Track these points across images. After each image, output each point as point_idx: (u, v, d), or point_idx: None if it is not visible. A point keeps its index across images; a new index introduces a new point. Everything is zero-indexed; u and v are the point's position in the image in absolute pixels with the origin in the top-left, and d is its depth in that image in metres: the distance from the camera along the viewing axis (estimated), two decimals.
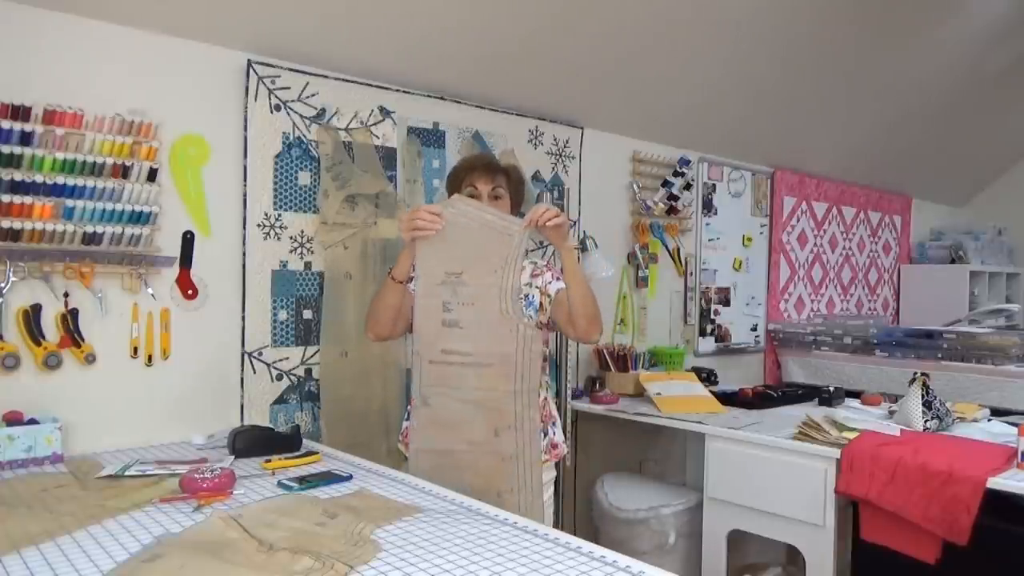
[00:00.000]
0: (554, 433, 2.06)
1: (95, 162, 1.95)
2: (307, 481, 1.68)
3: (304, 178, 2.38)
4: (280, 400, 2.35)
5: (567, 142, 3.17)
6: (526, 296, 2.01)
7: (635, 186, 3.44)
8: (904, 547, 2.03)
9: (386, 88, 2.57)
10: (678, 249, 3.68)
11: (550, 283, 2.04)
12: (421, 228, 1.83)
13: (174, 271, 2.14)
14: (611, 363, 3.15)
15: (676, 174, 3.60)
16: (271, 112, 2.31)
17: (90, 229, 1.95)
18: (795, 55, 3.36)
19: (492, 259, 1.79)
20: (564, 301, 1.96)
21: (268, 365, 2.32)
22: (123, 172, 1.99)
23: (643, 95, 3.22)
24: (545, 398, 2.05)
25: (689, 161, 3.63)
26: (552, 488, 2.06)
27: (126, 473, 1.73)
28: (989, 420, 2.60)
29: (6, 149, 1.83)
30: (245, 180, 2.26)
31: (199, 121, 2.17)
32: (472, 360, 1.83)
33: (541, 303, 2.02)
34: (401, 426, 2.12)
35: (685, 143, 3.67)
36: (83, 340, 1.98)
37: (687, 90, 3.30)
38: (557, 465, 2.08)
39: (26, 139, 1.86)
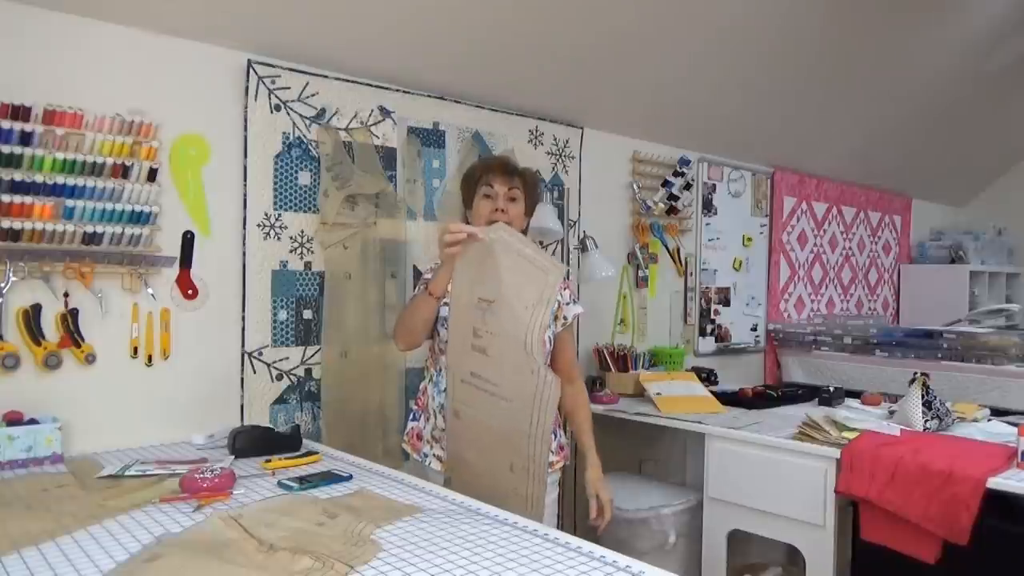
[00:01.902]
0: (560, 436, 2.06)
1: (95, 162, 1.95)
2: (307, 481, 1.68)
3: (304, 178, 2.38)
4: (280, 400, 2.35)
5: (567, 142, 3.17)
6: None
7: (635, 186, 3.44)
8: (904, 547, 2.03)
9: (386, 88, 2.57)
10: (678, 249, 3.68)
11: (567, 304, 2.06)
12: (458, 243, 1.74)
13: (174, 271, 2.14)
14: (611, 363, 3.15)
15: (676, 174, 3.60)
16: (271, 112, 2.31)
17: (90, 229, 1.95)
18: (795, 55, 3.36)
19: (526, 294, 1.72)
20: (564, 347, 2.09)
21: (268, 365, 2.32)
22: (123, 172, 1.99)
23: (643, 95, 3.22)
24: None
25: (689, 161, 3.63)
26: (557, 490, 2.06)
27: (126, 473, 1.73)
28: (989, 420, 2.60)
29: (6, 149, 1.83)
30: (245, 180, 2.26)
31: (199, 121, 2.17)
32: (496, 391, 1.77)
33: (556, 315, 2.04)
34: (406, 426, 2.12)
35: (685, 143, 3.67)
36: (83, 340, 1.98)
37: (687, 90, 3.30)
38: (563, 467, 2.08)
39: (26, 139, 1.86)
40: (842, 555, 2.24)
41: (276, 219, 2.33)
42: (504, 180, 1.99)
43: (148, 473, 1.74)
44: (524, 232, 2.10)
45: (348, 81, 2.47)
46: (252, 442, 1.97)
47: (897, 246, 5.33)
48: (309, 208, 2.39)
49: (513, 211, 1.99)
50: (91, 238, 1.96)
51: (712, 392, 2.94)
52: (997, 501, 1.89)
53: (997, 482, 1.88)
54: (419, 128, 2.66)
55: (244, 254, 2.27)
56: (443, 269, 1.83)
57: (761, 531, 2.41)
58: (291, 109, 2.35)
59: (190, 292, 2.16)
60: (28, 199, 1.86)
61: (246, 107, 2.25)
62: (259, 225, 2.29)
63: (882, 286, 5.19)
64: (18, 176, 1.85)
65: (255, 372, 2.30)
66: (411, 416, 2.11)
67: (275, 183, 2.32)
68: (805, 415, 2.40)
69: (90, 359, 2.00)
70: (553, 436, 2.01)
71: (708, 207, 3.85)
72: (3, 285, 1.86)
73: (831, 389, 2.94)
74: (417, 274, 2.55)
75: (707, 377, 3.24)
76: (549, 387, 1.71)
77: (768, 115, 3.75)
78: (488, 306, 1.75)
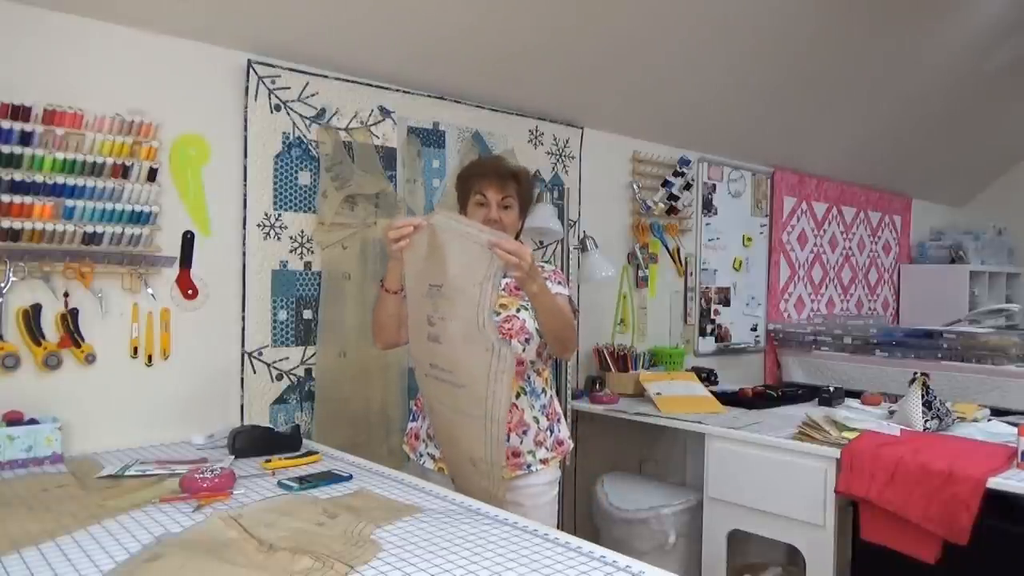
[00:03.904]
0: (559, 430, 2.06)
1: (95, 162, 1.95)
2: (307, 481, 1.68)
3: (304, 178, 2.38)
4: (280, 400, 2.35)
5: (567, 142, 3.17)
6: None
7: (635, 186, 3.44)
8: (904, 547, 2.03)
9: (386, 88, 2.57)
10: (678, 249, 3.68)
11: (550, 288, 2.05)
12: (404, 236, 1.73)
13: (174, 271, 2.14)
14: (611, 363, 3.15)
15: (676, 174, 3.60)
16: (271, 112, 2.31)
17: (90, 229, 1.95)
18: (795, 55, 3.36)
19: (473, 272, 1.70)
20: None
21: (268, 365, 2.32)
22: (123, 172, 1.99)
23: (643, 95, 3.22)
24: (551, 396, 2.05)
25: (689, 161, 3.63)
26: (557, 487, 2.06)
27: (126, 473, 1.73)
28: (989, 420, 2.60)
29: (6, 149, 1.83)
30: (245, 180, 2.26)
31: (199, 121, 2.17)
32: (451, 379, 1.75)
33: None
34: (406, 427, 2.12)
35: (685, 143, 3.67)
36: (83, 340, 1.98)
37: (687, 90, 3.30)
38: (561, 464, 2.08)
39: (26, 139, 1.86)
40: (842, 555, 2.24)
41: (276, 219, 2.33)
42: (498, 189, 1.97)
43: (148, 473, 1.74)
44: (518, 234, 2.10)
45: (348, 81, 2.47)
46: (252, 442, 1.97)
47: (897, 246, 5.32)
48: (309, 208, 2.39)
49: (507, 219, 1.98)
50: (91, 238, 1.96)
51: (712, 392, 2.94)
52: (997, 501, 1.89)
53: (997, 482, 1.88)
54: (419, 128, 2.66)
55: (244, 254, 2.27)
56: (392, 263, 1.83)
57: (761, 531, 2.41)
58: (291, 109, 2.35)
59: (190, 292, 2.16)
60: (28, 199, 1.86)
61: (246, 107, 2.25)
62: (259, 225, 2.29)
63: (882, 286, 5.19)
64: (18, 176, 1.85)
65: (255, 372, 2.30)
66: (411, 417, 2.11)
67: (275, 183, 2.32)
68: (805, 415, 2.40)
69: (90, 359, 2.00)
70: (549, 432, 2.00)
71: (708, 207, 3.85)
72: (3, 285, 1.86)
73: (831, 389, 2.95)
74: None
75: (707, 377, 3.25)
76: (505, 362, 1.68)
77: (768, 115, 3.75)
78: (437, 291, 1.73)
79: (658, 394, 2.88)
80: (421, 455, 2.01)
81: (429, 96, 2.68)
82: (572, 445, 2.11)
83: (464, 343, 1.72)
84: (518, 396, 1.95)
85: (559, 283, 2.05)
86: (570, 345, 2.03)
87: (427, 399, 1.89)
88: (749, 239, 4.10)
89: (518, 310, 1.97)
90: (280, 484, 1.67)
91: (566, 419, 2.82)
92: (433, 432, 1.94)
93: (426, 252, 1.75)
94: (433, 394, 1.84)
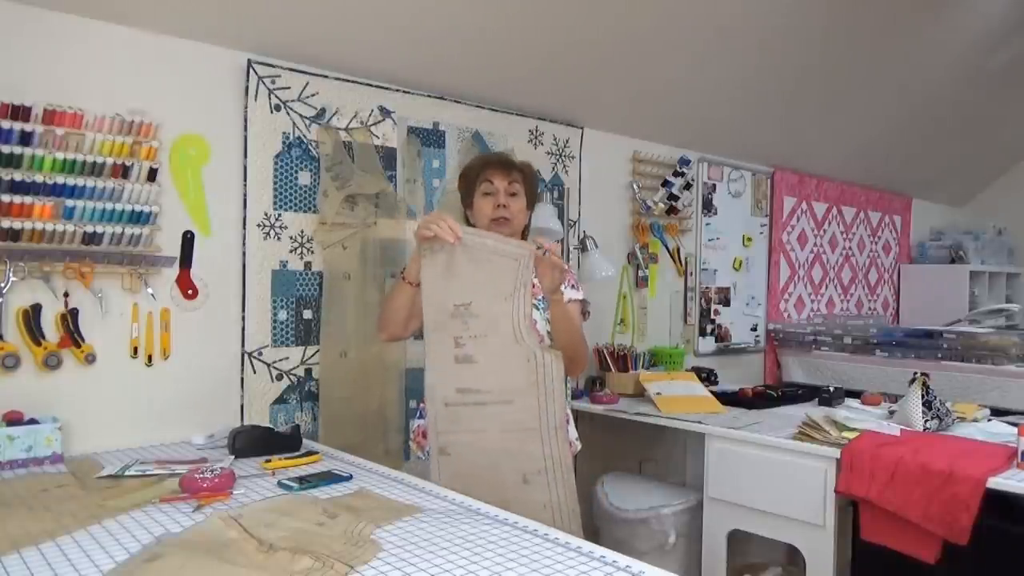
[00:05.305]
0: (568, 431, 2.05)
1: (95, 162, 1.95)
2: (307, 481, 1.68)
3: (304, 178, 2.38)
4: (280, 400, 2.35)
5: (567, 142, 3.17)
6: (542, 298, 2.00)
7: (635, 186, 3.44)
8: (904, 547, 2.03)
9: (386, 88, 2.57)
10: (678, 249, 3.68)
11: (564, 290, 2.04)
12: (437, 235, 1.71)
13: (174, 271, 2.14)
14: (611, 363, 3.15)
15: (676, 174, 3.60)
16: (271, 112, 2.31)
17: (90, 229, 1.95)
18: (795, 55, 3.36)
19: (501, 285, 1.68)
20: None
21: (268, 365, 2.32)
22: (123, 172, 1.99)
23: (643, 95, 3.22)
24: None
25: (689, 161, 3.63)
26: None
27: (126, 473, 1.73)
28: (989, 420, 2.60)
29: (6, 149, 1.83)
30: (245, 180, 2.26)
31: (199, 121, 2.17)
32: (491, 398, 1.71)
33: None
34: (410, 425, 2.12)
35: (685, 143, 3.67)
36: (83, 340, 1.98)
37: (687, 90, 3.30)
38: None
39: (26, 139, 1.86)
40: (842, 555, 2.24)
41: (276, 219, 2.33)
42: (503, 175, 1.98)
43: (148, 473, 1.74)
44: (526, 229, 2.09)
45: (348, 81, 2.47)
46: (252, 442, 1.97)
47: (897, 246, 5.32)
48: (309, 208, 2.39)
49: (515, 206, 1.98)
50: (91, 238, 1.96)
51: (712, 392, 2.93)
52: (997, 501, 1.89)
53: (997, 482, 1.88)
54: (419, 128, 2.66)
55: (244, 254, 2.27)
56: (416, 254, 1.82)
57: (761, 531, 2.41)
58: (291, 109, 2.35)
59: (190, 292, 2.16)
60: (28, 199, 1.86)
61: (246, 107, 2.25)
62: (259, 225, 2.30)
63: (882, 286, 5.19)
64: (18, 176, 1.85)
65: (255, 372, 2.30)
66: (417, 414, 2.10)
67: (275, 183, 2.32)
68: (805, 415, 2.39)
69: (90, 359, 2.00)
70: None
71: (708, 207, 3.85)
72: (3, 285, 1.86)
73: (831, 389, 2.94)
74: None
75: (707, 377, 3.24)
76: (551, 368, 1.65)
77: (768, 115, 3.75)
78: (466, 309, 1.71)
79: (658, 394, 2.88)
80: (429, 453, 2.01)
81: (429, 96, 2.68)
82: (580, 446, 2.11)
83: (505, 357, 1.69)
84: None
85: (573, 287, 2.05)
86: (581, 362, 2.00)
87: (444, 435, 1.78)
88: (749, 239, 4.10)
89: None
90: (280, 484, 1.67)
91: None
92: (445, 476, 1.80)
93: (444, 273, 1.73)
94: (457, 424, 1.76)
